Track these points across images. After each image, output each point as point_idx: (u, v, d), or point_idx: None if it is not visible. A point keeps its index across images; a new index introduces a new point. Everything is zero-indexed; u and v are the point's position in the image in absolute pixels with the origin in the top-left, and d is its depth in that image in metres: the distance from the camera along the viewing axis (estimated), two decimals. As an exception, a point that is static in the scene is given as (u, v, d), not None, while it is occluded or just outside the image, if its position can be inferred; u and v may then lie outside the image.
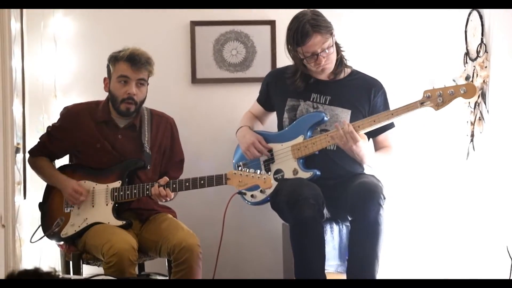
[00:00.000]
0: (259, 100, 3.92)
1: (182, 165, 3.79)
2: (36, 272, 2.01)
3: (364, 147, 3.53)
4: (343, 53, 3.68)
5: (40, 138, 3.73)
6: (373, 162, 3.65)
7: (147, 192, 3.55)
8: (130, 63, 3.53)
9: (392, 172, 3.94)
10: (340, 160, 3.64)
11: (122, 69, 3.55)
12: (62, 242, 3.63)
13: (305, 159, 3.63)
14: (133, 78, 3.55)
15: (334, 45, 3.57)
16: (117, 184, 3.59)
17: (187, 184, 3.54)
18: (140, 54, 3.55)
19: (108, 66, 3.63)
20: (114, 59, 3.58)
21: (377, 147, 3.74)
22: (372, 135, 3.69)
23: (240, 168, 3.63)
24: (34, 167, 3.72)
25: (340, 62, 3.66)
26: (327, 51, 3.54)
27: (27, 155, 3.75)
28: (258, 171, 3.44)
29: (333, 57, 3.60)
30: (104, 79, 3.66)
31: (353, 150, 3.50)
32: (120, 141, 3.64)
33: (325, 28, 3.52)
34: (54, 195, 3.67)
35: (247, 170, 3.47)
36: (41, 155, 3.70)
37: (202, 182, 3.54)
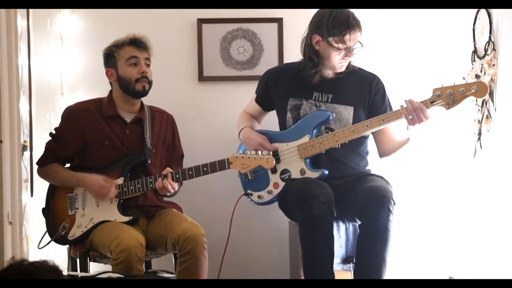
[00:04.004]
0: (257, 100, 3.88)
1: (181, 161, 3.80)
2: (20, 266, 1.97)
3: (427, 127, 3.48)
4: None
5: (46, 146, 3.68)
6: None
7: (151, 185, 3.56)
8: (135, 45, 3.64)
9: (399, 170, 3.93)
10: (347, 158, 3.64)
11: (129, 51, 3.62)
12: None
13: (312, 158, 3.62)
14: (141, 57, 3.63)
15: None
16: (120, 181, 3.59)
17: (190, 172, 3.57)
18: (140, 36, 3.66)
19: (107, 57, 3.66)
20: (116, 46, 3.65)
21: (384, 138, 3.70)
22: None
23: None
24: (46, 176, 3.67)
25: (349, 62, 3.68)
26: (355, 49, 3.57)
27: (36, 167, 3.70)
28: (260, 152, 3.45)
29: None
30: (107, 71, 3.67)
31: (418, 128, 3.43)
32: (128, 136, 3.65)
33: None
34: (56, 199, 3.66)
35: (249, 152, 3.48)
36: (51, 163, 3.65)
37: (205, 169, 3.56)
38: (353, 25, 3.52)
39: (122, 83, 3.63)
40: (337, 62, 3.60)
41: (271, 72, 3.85)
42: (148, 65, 3.66)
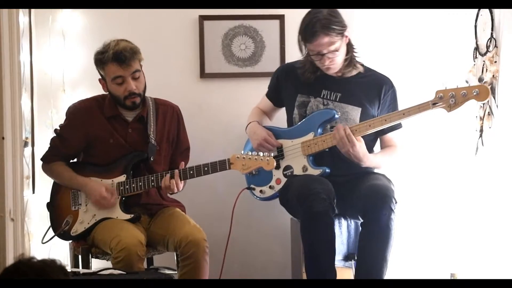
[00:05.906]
0: (268, 95, 3.89)
1: (188, 154, 3.79)
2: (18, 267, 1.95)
3: (361, 151, 3.50)
4: (355, 53, 3.65)
5: (50, 143, 3.68)
6: (373, 164, 3.63)
7: (153, 183, 3.55)
8: (118, 62, 3.49)
9: (400, 168, 3.93)
10: (350, 157, 3.63)
11: (113, 70, 3.51)
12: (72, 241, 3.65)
13: (314, 156, 3.62)
14: (127, 75, 3.52)
15: (342, 47, 3.54)
16: (122, 178, 3.59)
17: (191, 172, 3.56)
18: (124, 49, 3.49)
19: (97, 69, 3.61)
20: (100, 62, 3.54)
21: (383, 146, 3.73)
22: (379, 133, 3.68)
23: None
24: (50, 173, 3.68)
25: (350, 62, 3.63)
26: (333, 53, 3.52)
27: (40, 163, 3.70)
28: (261, 153, 3.44)
29: (339, 59, 3.57)
30: (99, 80, 3.64)
31: (350, 153, 3.49)
32: (131, 135, 3.64)
33: (335, 30, 3.48)
34: (61, 194, 3.66)
35: (250, 153, 3.47)
36: (55, 160, 3.66)
37: (206, 168, 3.55)
38: (315, 31, 3.46)
39: (112, 97, 3.61)
40: (320, 64, 3.58)
41: (283, 67, 3.86)
42: (136, 78, 3.54)
